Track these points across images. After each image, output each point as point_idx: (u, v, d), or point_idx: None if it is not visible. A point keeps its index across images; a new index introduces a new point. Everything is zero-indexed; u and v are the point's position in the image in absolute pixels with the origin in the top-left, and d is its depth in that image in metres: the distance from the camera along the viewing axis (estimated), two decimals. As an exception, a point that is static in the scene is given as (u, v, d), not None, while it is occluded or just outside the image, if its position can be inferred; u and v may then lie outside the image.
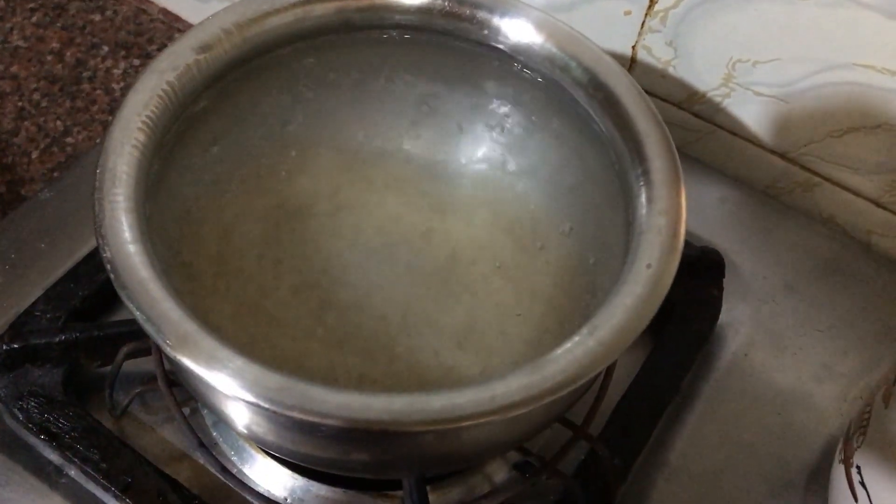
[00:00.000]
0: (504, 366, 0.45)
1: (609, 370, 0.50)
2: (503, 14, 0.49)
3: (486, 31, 0.49)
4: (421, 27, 0.50)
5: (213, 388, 0.36)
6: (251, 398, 0.35)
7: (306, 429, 0.38)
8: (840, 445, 0.48)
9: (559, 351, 0.37)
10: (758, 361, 0.55)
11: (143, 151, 0.41)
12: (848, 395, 0.54)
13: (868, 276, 0.59)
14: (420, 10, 0.49)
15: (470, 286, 0.47)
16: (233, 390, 0.35)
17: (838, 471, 0.47)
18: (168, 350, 0.35)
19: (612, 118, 0.46)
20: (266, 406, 0.34)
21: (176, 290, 0.38)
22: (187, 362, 0.35)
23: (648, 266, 0.39)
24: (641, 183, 0.43)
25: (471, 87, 0.51)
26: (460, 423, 0.35)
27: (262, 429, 0.40)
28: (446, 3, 0.49)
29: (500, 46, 0.49)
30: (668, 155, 0.43)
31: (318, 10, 0.48)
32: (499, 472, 0.50)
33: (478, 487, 0.50)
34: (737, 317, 0.56)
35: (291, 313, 0.45)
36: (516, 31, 0.49)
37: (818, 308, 0.57)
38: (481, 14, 0.49)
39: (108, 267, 0.37)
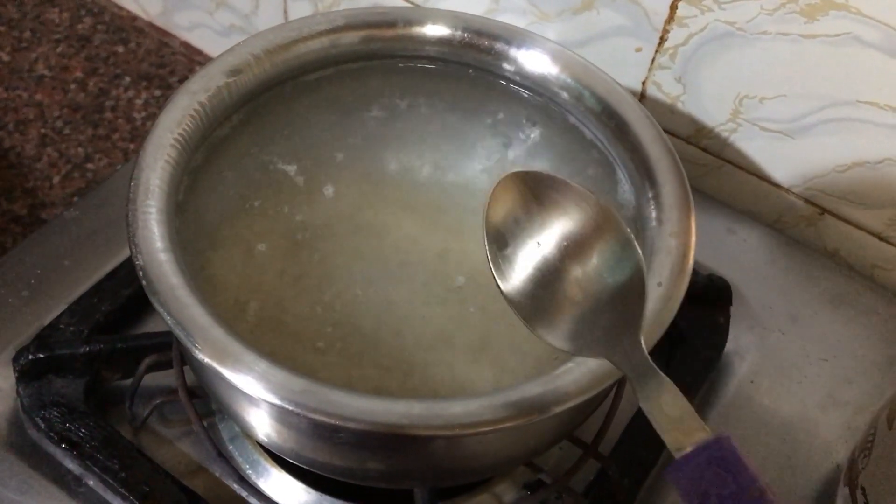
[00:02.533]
0: (517, 382, 0.46)
1: (619, 390, 0.51)
2: (520, 46, 0.51)
3: (503, 62, 0.51)
4: (441, 57, 0.52)
5: (238, 392, 0.37)
6: (276, 400, 0.36)
7: (326, 433, 0.39)
8: (845, 469, 0.49)
9: (573, 363, 0.38)
10: (764, 389, 0.56)
11: (175, 167, 0.43)
12: (852, 424, 0.55)
13: (872, 308, 0.60)
14: (441, 41, 0.51)
15: (484, 305, 0.48)
16: (258, 392, 0.36)
17: (843, 493, 0.48)
18: (197, 353, 0.37)
19: (625, 145, 0.48)
20: (290, 408, 0.36)
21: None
22: (215, 365, 0.36)
23: (659, 284, 0.41)
24: (652, 206, 0.45)
25: (487, 114, 0.53)
26: (478, 429, 0.36)
27: (281, 435, 0.41)
28: (466, 35, 0.51)
29: (517, 76, 0.51)
30: (679, 180, 0.45)
31: (344, 38, 0.50)
32: (508, 492, 0.51)
33: (488, 506, 0.51)
34: (743, 345, 0.58)
35: (310, 328, 0.46)
36: (532, 61, 0.51)
37: (823, 338, 0.58)
38: (499, 45, 0.51)
39: (141, 273, 0.39)
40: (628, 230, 0.36)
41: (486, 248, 0.36)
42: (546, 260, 0.37)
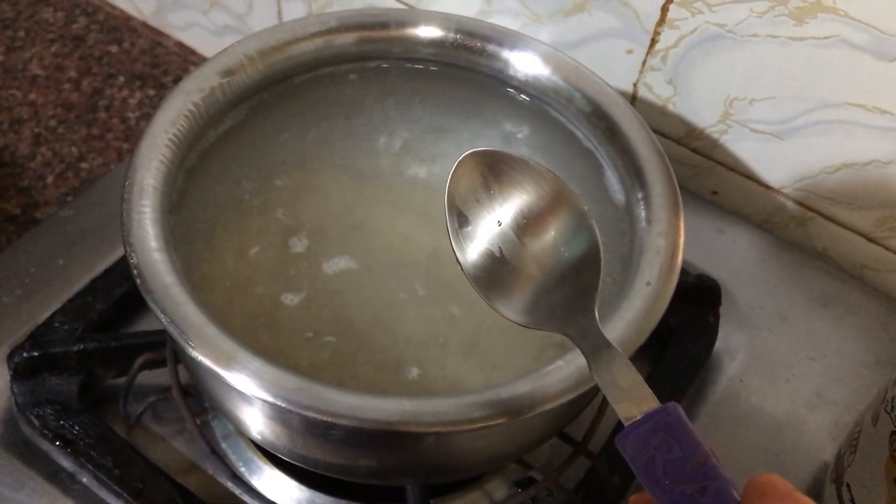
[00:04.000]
0: (507, 379, 0.46)
1: (609, 389, 0.51)
2: (512, 47, 0.51)
3: (495, 64, 0.52)
4: (434, 59, 0.52)
5: (231, 389, 0.38)
6: (269, 398, 0.36)
7: (319, 431, 0.39)
8: (831, 466, 0.49)
9: (562, 361, 0.39)
10: (753, 388, 0.57)
11: (169, 167, 0.43)
12: (840, 422, 0.55)
13: (860, 307, 0.60)
14: (433, 43, 0.52)
15: (475, 304, 0.48)
16: (251, 390, 0.36)
17: (829, 490, 0.48)
18: (191, 351, 0.37)
19: (615, 146, 0.48)
20: (283, 405, 0.36)
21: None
22: (208, 363, 0.37)
23: (648, 284, 0.41)
24: (642, 207, 0.45)
25: (479, 115, 0.53)
26: (468, 426, 0.36)
27: (274, 432, 0.41)
28: (458, 37, 0.52)
29: (509, 78, 0.52)
30: (668, 180, 0.46)
31: (338, 40, 0.50)
32: (499, 488, 0.52)
33: (479, 503, 0.51)
34: (732, 344, 0.58)
35: (303, 326, 0.47)
36: (524, 63, 0.51)
37: (811, 338, 0.59)
38: (491, 47, 0.52)
39: (135, 272, 0.39)
40: (584, 207, 0.37)
41: (448, 225, 0.38)
42: (505, 236, 0.38)
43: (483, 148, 0.38)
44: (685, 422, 0.32)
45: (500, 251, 0.38)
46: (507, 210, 0.38)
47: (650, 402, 0.33)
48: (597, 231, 0.37)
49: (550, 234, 0.38)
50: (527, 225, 0.38)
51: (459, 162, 0.38)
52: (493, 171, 0.38)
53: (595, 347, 0.35)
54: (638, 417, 0.32)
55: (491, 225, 0.38)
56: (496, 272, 0.38)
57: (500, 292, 0.38)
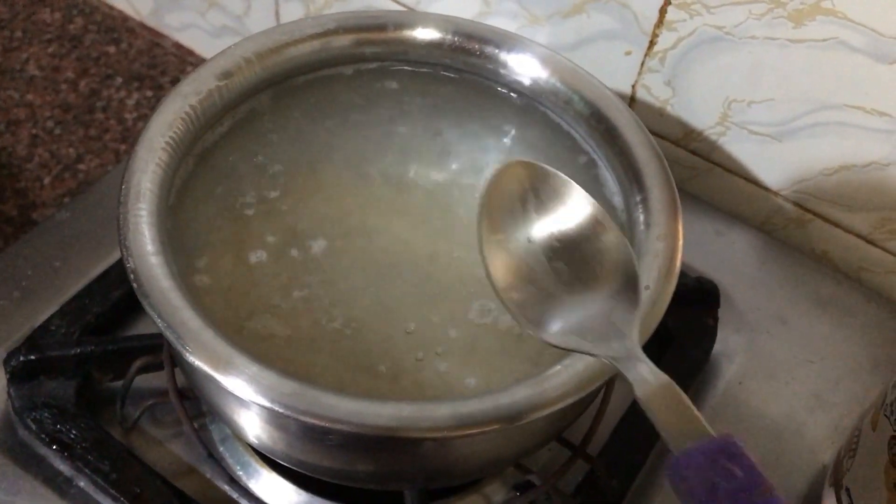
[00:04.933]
0: (506, 384, 0.46)
1: (607, 392, 0.51)
2: (510, 50, 0.51)
3: (493, 66, 0.52)
4: (431, 61, 0.52)
5: (228, 394, 0.38)
6: (266, 402, 0.36)
7: (316, 436, 0.39)
8: (830, 469, 0.49)
9: (560, 366, 0.39)
10: (752, 390, 0.56)
11: (166, 170, 0.43)
12: (839, 425, 0.55)
13: (859, 309, 0.60)
14: (431, 45, 0.52)
15: (473, 307, 0.48)
16: (248, 395, 0.36)
17: (829, 494, 0.48)
18: (188, 356, 0.37)
19: (613, 149, 0.48)
20: (280, 410, 0.36)
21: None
22: (206, 368, 0.37)
23: (646, 288, 0.41)
24: (640, 210, 0.45)
25: (476, 118, 0.53)
26: (466, 431, 0.36)
27: (272, 437, 0.41)
28: (456, 39, 0.51)
29: (507, 80, 0.52)
30: (666, 184, 0.45)
31: (335, 42, 0.50)
32: (498, 492, 0.52)
33: (477, 507, 0.51)
34: (731, 346, 0.58)
35: (300, 331, 0.47)
36: (522, 66, 0.51)
37: (810, 340, 0.59)
38: (489, 50, 0.51)
39: (132, 276, 0.39)
40: (624, 237, 0.36)
41: (478, 231, 0.36)
42: (533, 254, 0.37)
43: (530, 160, 0.37)
44: (746, 451, 0.31)
45: (528, 267, 0.37)
46: (541, 230, 0.37)
47: (703, 429, 0.31)
48: (636, 261, 0.35)
49: (587, 261, 0.36)
50: (559, 249, 0.37)
51: (502, 168, 0.37)
52: (534, 186, 0.37)
53: (640, 374, 0.33)
54: (695, 444, 0.31)
55: (522, 242, 0.37)
56: (524, 290, 0.37)
57: (531, 312, 0.36)
